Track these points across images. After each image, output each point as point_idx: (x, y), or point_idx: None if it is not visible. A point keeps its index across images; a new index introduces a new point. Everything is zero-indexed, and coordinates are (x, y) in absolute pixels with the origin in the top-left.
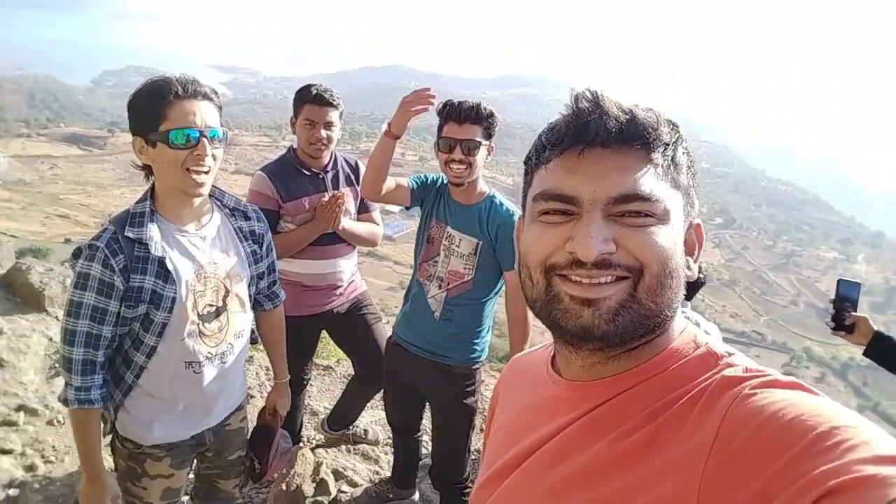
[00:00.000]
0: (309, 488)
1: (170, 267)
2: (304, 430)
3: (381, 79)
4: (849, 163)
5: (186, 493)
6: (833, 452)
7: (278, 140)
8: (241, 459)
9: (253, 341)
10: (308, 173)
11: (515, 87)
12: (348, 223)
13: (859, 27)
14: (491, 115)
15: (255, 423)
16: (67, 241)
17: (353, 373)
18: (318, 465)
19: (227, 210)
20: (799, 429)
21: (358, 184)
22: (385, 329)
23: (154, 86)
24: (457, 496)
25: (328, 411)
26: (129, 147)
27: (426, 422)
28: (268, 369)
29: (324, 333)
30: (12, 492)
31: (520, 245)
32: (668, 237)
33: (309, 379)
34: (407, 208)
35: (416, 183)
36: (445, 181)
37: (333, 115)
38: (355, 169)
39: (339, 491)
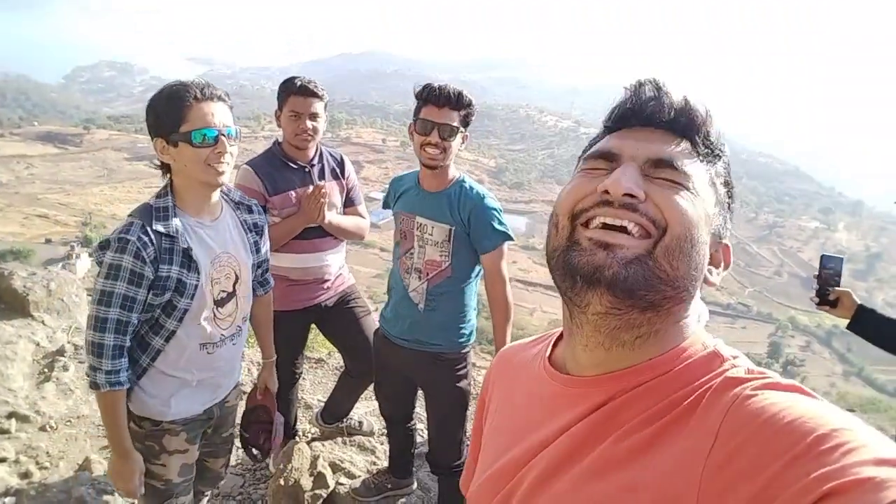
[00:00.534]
0: (307, 482)
1: (193, 256)
2: (299, 423)
3: (360, 65)
4: (836, 151)
5: None
6: (832, 455)
7: (257, 131)
8: (231, 439)
9: None
10: (294, 167)
11: (496, 70)
12: (334, 217)
13: (847, 18)
14: (470, 103)
15: (246, 413)
16: (48, 241)
17: (343, 365)
18: (315, 459)
19: (234, 203)
20: (798, 431)
21: (343, 177)
22: (373, 322)
23: (173, 90)
24: (455, 480)
25: (322, 404)
26: (106, 144)
27: (420, 410)
28: (258, 364)
29: (314, 327)
30: (8, 500)
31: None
32: (696, 208)
33: (301, 373)
34: None
35: (390, 206)
36: (408, 180)
37: (318, 106)
38: (341, 163)
39: (338, 483)
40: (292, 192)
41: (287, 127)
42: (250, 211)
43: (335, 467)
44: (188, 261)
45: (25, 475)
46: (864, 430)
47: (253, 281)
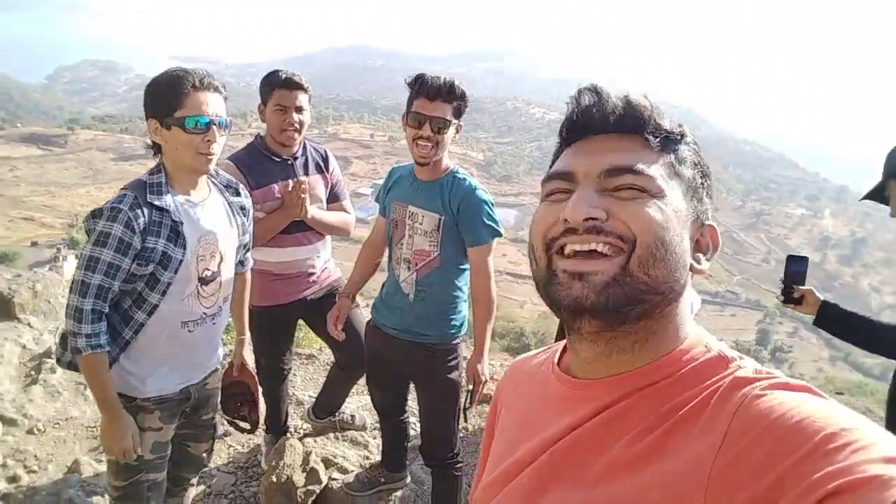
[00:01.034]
0: (300, 478)
1: (181, 231)
2: (290, 420)
3: (346, 59)
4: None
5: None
6: (840, 453)
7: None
8: (213, 423)
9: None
10: (277, 160)
11: (483, 62)
12: (317, 212)
13: (846, 17)
14: (463, 95)
15: (224, 388)
16: (34, 244)
17: (334, 359)
18: (307, 455)
19: (221, 186)
20: (807, 430)
21: (328, 171)
22: (363, 314)
23: (174, 76)
24: (448, 472)
25: (313, 400)
26: (91, 145)
27: (412, 403)
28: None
29: (303, 323)
30: None
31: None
32: (662, 212)
33: (290, 369)
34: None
35: (379, 199)
36: (404, 171)
37: (303, 99)
38: (325, 157)
39: (330, 479)
40: (275, 186)
41: (272, 121)
42: (237, 194)
43: (328, 462)
44: (175, 235)
45: (13, 479)
46: (872, 429)
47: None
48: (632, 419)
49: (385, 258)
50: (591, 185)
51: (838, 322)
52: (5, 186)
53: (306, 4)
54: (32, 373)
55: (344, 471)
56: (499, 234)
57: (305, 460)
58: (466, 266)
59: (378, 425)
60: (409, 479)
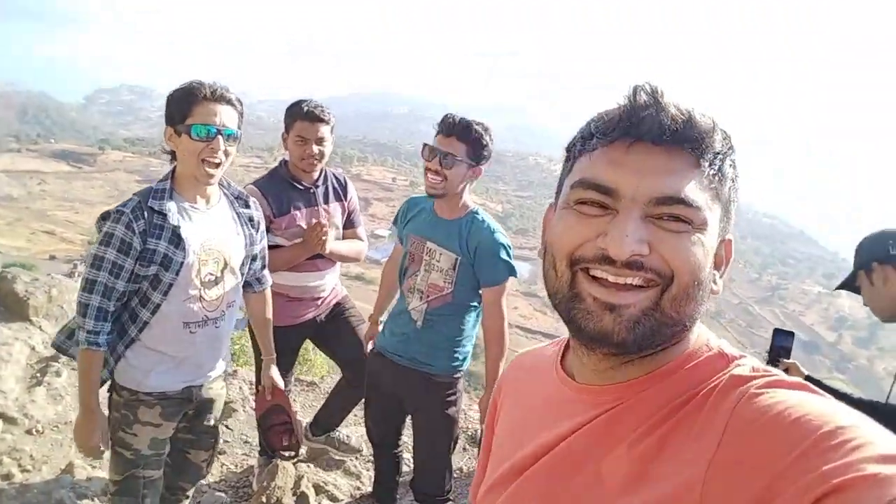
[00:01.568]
0: (289, 501)
1: (182, 235)
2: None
3: (371, 104)
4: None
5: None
6: (837, 451)
7: (269, 162)
8: (215, 431)
9: None
10: (300, 187)
11: (505, 116)
12: (335, 245)
13: (853, 24)
14: (480, 136)
15: (262, 419)
16: (52, 257)
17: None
18: (299, 479)
19: (232, 197)
20: (804, 428)
21: (346, 198)
22: None
23: (189, 86)
24: None
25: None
26: (119, 166)
27: (407, 438)
28: (251, 383)
29: (311, 347)
30: None
31: (548, 232)
32: (703, 248)
33: (289, 391)
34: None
35: (398, 227)
36: (426, 204)
37: (325, 131)
38: (344, 185)
39: None
40: (297, 213)
41: (294, 151)
42: (247, 206)
43: (318, 489)
44: (177, 238)
45: (7, 476)
46: (869, 428)
47: (250, 276)
48: (631, 421)
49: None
50: (638, 210)
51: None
52: (32, 199)
53: (338, 49)
54: (38, 374)
55: (334, 499)
56: (513, 274)
57: (297, 484)
58: (477, 306)
59: (372, 457)
60: None
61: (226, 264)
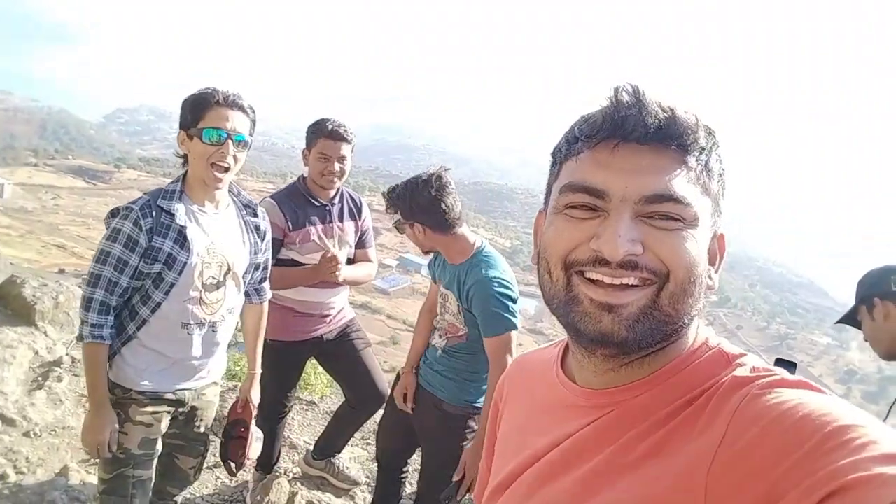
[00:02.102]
0: None
1: (188, 236)
2: (281, 461)
3: (388, 136)
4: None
5: None
6: (841, 451)
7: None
8: (205, 439)
9: None
10: (317, 204)
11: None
12: (347, 272)
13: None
14: (401, 197)
15: (227, 428)
16: (61, 271)
17: (334, 410)
18: (293, 495)
19: (241, 204)
20: (807, 428)
21: (360, 218)
22: (374, 357)
23: (203, 92)
24: None
25: (308, 446)
26: (133, 184)
27: (414, 463)
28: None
29: (313, 364)
30: None
31: (540, 238)
32: (696, 244)
33: (290, 408)
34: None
35: (431, 269)
36: None
37: (346, 149)
38: (359, 205)
39: None
40: (312, 228)
41: (315, 167)
42: (255, 215)
43: None
44: (182, 239)
45: (2, 477)
46: (874, 426)
47: (250, 286)
48: (629, 422)
49: None
50: (629, 210)
51: None
52: (45, 212)
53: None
54: (39, 379)
55: None
56: (511, 328)
57: (290, 500)
58: None
59: (369, 481)
60: None
61: (229, 269)
